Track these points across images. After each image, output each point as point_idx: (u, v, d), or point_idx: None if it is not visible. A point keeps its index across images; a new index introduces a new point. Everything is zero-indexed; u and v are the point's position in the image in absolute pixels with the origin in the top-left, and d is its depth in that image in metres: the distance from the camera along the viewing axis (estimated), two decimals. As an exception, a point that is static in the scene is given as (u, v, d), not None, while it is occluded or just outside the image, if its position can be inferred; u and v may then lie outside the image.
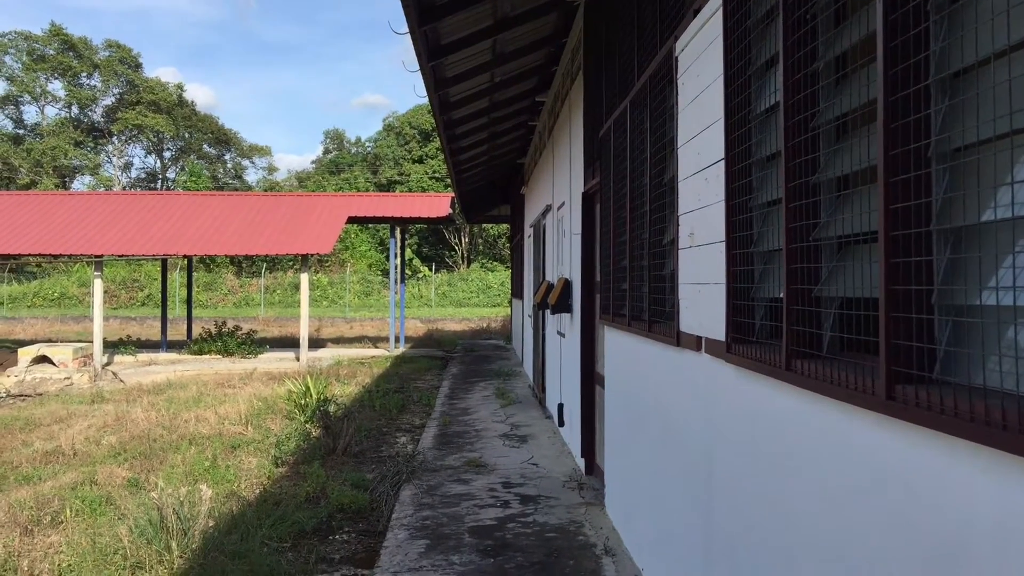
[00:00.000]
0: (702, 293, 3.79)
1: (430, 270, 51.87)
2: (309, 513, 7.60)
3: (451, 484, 8.11)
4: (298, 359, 20.68)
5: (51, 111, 73.68)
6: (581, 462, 8.27)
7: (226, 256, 51.77)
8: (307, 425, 11.06)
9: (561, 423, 9.49)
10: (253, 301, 50.08)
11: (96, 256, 20.10)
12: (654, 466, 4.87)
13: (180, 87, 75.77)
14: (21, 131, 73.39)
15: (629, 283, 5.49)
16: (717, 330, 3.53)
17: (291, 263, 53.87)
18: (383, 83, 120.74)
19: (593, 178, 7.60)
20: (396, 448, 10.69)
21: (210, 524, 7.09)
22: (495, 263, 57.05)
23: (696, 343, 3.90)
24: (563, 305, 9.19)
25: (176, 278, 51.91)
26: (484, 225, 56.43)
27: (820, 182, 2.63)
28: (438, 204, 23.69)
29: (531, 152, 15.99)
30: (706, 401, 3.78)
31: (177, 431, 11.69)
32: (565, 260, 9.69)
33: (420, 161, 66.66)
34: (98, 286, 20.61)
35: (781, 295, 2.82)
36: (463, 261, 59.22)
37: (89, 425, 12.82)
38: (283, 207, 22.97)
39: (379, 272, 54.09)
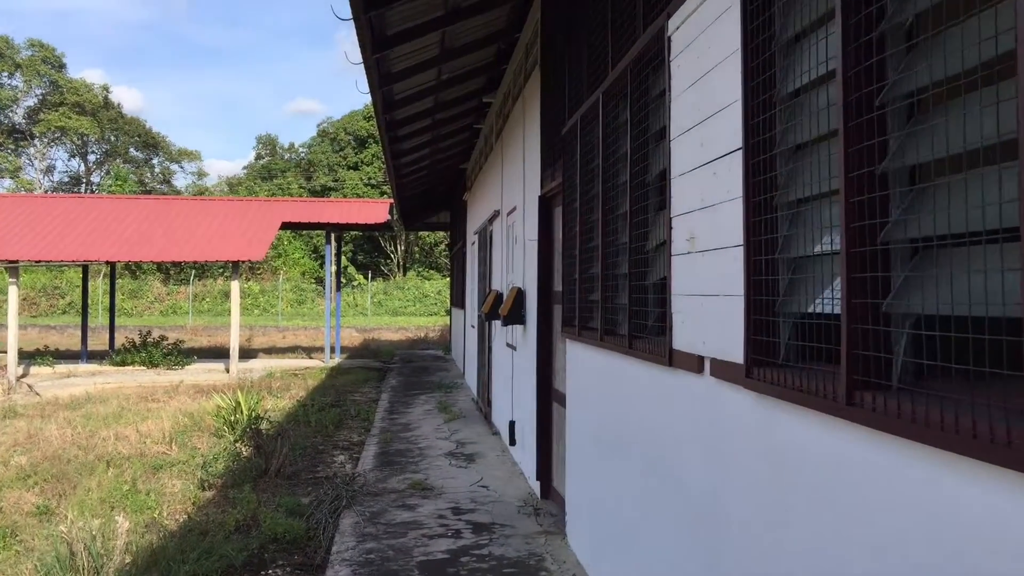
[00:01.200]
0: (705, 307, 3.26)
1: (365, 278, 50.93)
2: (239, 544, 6.90)
3: (396, 510, 7.47)
4: (228, 371, 19.76)
5: (-33, 112, 70.77)
6: (536, 485, 7.71)
7: (152, 263, 50.26)
8: (237, 444, 10.30)
9: (512, 442, 8.92)
10: (181, 309, 48.56)
11: (11, 262, 18.93)
12: (635, 501, 4.33)
13: (106, 88, 73.45)
14: (-64, 131, 70.41)
15: (601, 293, 4.95)
16: (730, 350, 3.00)
17: (221, 270, 52.37)
18: (317, 89, 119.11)
19: (552, 180, 7.07)
20: (334, 468, 10.00)
21: (127, 560, 6.34)
22: (431, 271, 56.36)
23: (696, 364, 3.37)
24: (515, 316, 8.64)
25: (100, 285, 50.10)
26: (420, 233, 55.73)
27: (890, 171, 2.11)
28: (376, 210, 22.96)
29: (475, 156, 15.44)
30: (710, 433, 3.25)
31: (94, 451, 10.82)
32: (517, 268, 9.14)
33: (355, 168, 65.64)
34: (13, 293, 19.40)
35: (833, 310, 2.30)
36: (399, 269, 58.38)
37: (1, 443, 11.85)
38: (213, 212, 22.01)
39: (313, 280, 52.92)
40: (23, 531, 7.58)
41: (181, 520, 7.78)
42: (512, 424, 8.93)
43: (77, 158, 76.67)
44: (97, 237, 19.92)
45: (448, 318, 28.93)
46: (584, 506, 5.73)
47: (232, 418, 11.17)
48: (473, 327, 15.33)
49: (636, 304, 4.28)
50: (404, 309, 47.56)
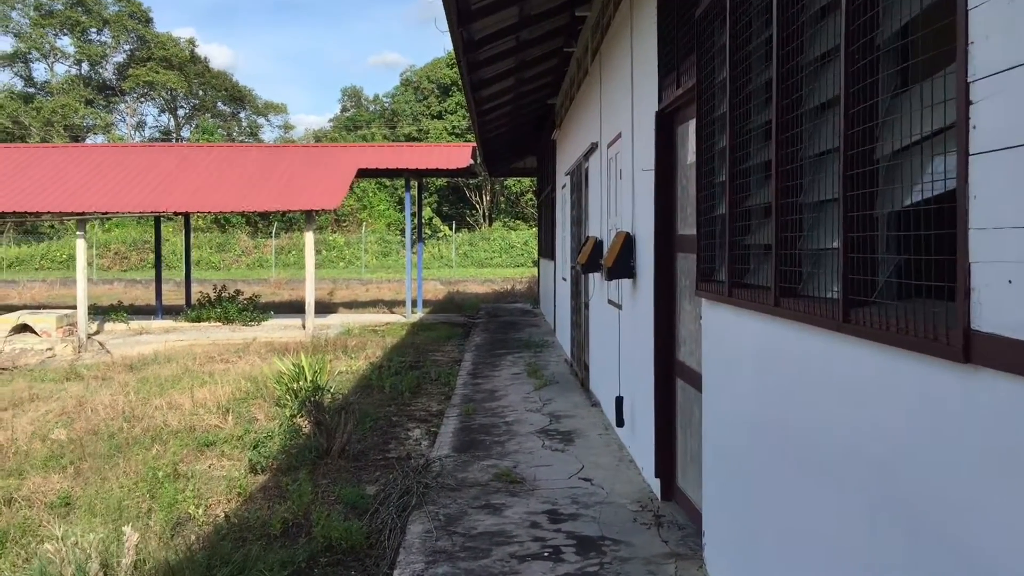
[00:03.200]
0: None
1: (451, 229, 49.61)
2: (282, 556, 5.48)
3: (477, 513, 5.94)
4: (304, 327, 18.59)
5: (60, 68, 71.60)
6: (655, 483, 6.08)
7: (240, 214, 49.79)
8: (296, 419, 8.93)
9: (620, 422, 7.30)
10: (267, 263, 48.10)
11: (77, 214, 18.02)
12: (853, 551, 2.66)
13: (192, 42, 73.32)
14: (31, 89, 71.36)
15: (777, 233, 3.25)
16: None
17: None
18: (399, 42, 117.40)
19: (676, 87, 5.33)
20: (407, 447, 8.56)
21: (134, 585, 4.98)
22: (518, 221, 54.75)
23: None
24: (622, 268, 6.96)
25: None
26: (506, 182, 54.10)
27: None
28: (458, 155, 21.37)
29: (565, 87, 13.66)
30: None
31: (142, 422, 9.61)
32: (624, 209, 7.44)
33: (439, 117, 64.15)
34: (80, 247, 18.54)
35: None
36: (485, 220, 56.93)
37: (47, 411, 10.79)
38: (287, 160, 20.75)
39: (398, 232, 51.81)
40: (35, 529, 6.32)
41: (218, 519, 6.41)
42: (619, 401, 7.30)
43: (167, 113, 77.19)
44: (166, 187, 18.87)
45: (536, 269, 27.32)
46: (736, 528, 4.08)
47: (295, 385, 9.81)
48: (565, 280, 13.70)
49: (857, 248, 2.57)
50: (490, 260, 46.17)
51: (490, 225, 54.90)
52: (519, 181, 52.37)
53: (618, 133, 7.86)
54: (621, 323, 7.59)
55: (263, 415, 9.76)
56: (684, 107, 5.42)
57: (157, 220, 21.97)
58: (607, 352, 8.66)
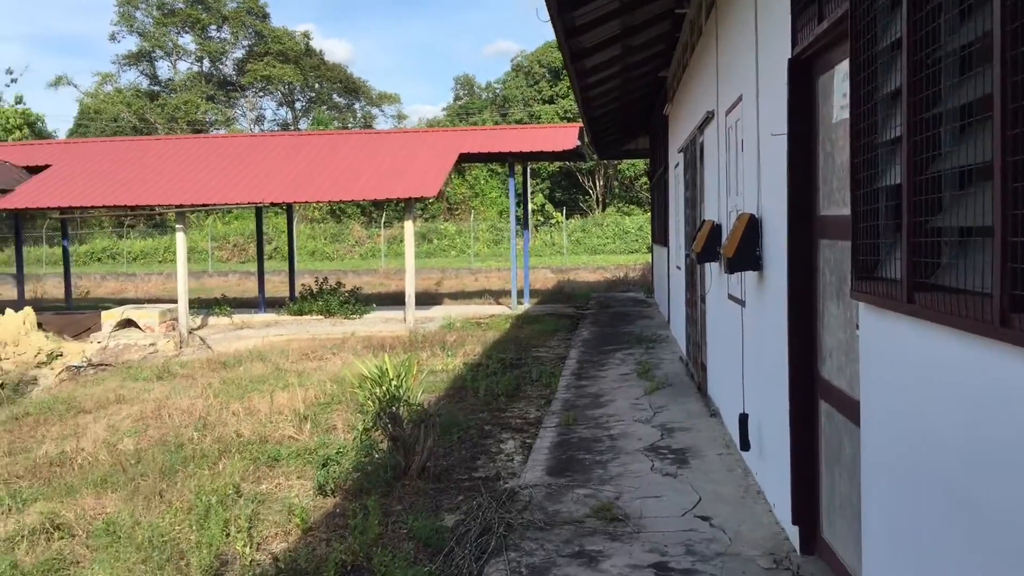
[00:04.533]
0: None
1: (563, 216, 48.43)
2: (330, 615, 4.50)
3: (567, 565, 4.82)
4: (405, 320, 17.81)
5: (183, 65, 73.63)
6: (792, 531, 4.83)
7: (355, 204, 49.87)
8: (371, 433, 7.99)
9: (744, 445, 6.05)
10: (380, 253, 48.00)
11: (174, 206, 17.69)
12: None
13: (307, 35, 74.27)
14: (156, 87, 73.63)
15: (1004, 210, 2.01)
16: None
17: (420, 210, 51.52)
18: (514, 30, 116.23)
19: (819, 21, 4.06)
20: (497, 464, 7.51)
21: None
22: (632, 206, 53.12)
23: None
24: (745, 258, 5.70)
25: (304, 230, 50.49)
26: (620, 166, 52.56)
27: None
28: (564, 136, 20.19)
29: (678, 55, 12.32)
30: None
31: (215, 431, 8.87)
32: (747, 186, 6.17)
33: (551, 101, 62.95)
34: (180, 240, 18.23)
35: None
36: (598, 205, 55.50)
37: (126, 416, 10.23)
38: (387, 146, 20.01)
39: (518, 219, 50.92)
40: (64, 568, 5.55)
41: (266, 559, 5.49)
42: (744, 420, 6.04)
43: (285, 107, 78.55)
44: (264, 178, 18.39)
45: (650, 256, 25.94)
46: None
47: (377, 391, 8.87)
48: (679, 268, 12.41)
49: None
50: (603, 247, 44.79)
51: (603, 211, 53.47)
52: (633, 164, 50.73)
53: (738, 96, 6.58)
54: (745, 324, 6.32)
55: (343, 423, 8.89)
56: (828, 49, 4.14)
57: (258, 211, 21.60)
58: (728, 356, 7.39)
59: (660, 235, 17.70)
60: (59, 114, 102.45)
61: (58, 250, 47.74)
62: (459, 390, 10.65)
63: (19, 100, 57.94)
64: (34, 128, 55.41)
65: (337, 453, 7.47)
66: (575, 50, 10.65)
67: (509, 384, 10.62)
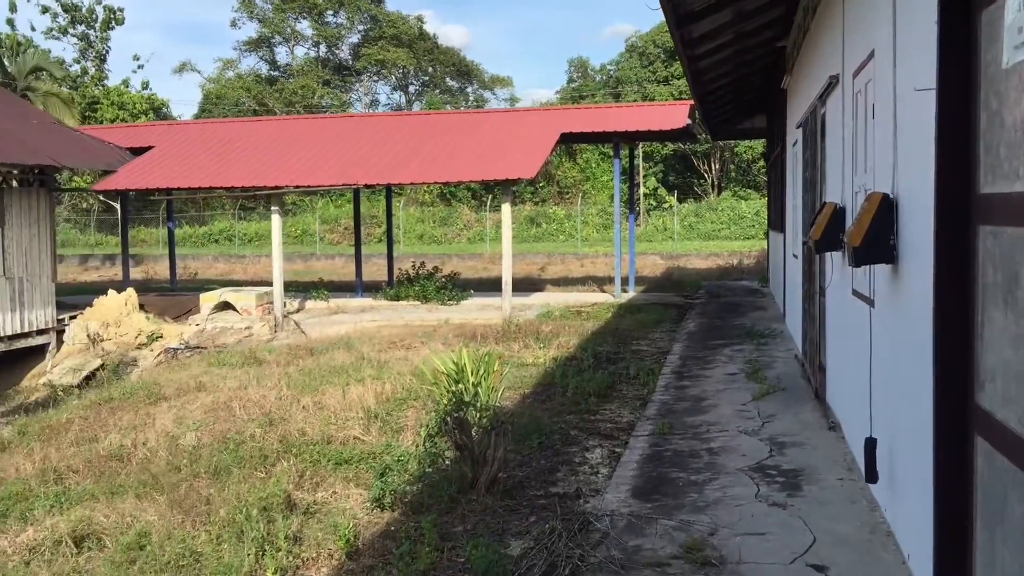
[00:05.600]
0: None
1: (675, 200, 46.85)
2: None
3: (643, 625, 3.92)
4: (502, 308, 17.05)
5: (300, 51, 74.82)
6: (932, 597, 3.78)
7: (464, 186, 49.46)
8: (437, 439, 7.20)
9: (871, 476, 4.98)
10: (488, 236, 47.48)
11: (271, 188, 17.37)
12: None
13: (420, 19, 74.41)
14: (275, 72, 75.06)
15: None
16: None
17: (531, 193, 50.79)
18: (630, 11, 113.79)
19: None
20: (579, 477, 6.62)
21: None
22: (748, 190, 51.01)
23: None
24: (876, 248, 4.63)
25: (413, 213, 50.45)
26: (737, 148, 50.59)
27: None
28: (672, 114, 18.98)
29: (798, 20, 11.05)
30: None
31: (280, 427, 8.26)
32: (880, 160, 5.07)
33: (665, 82, 61.16)
34: (276, 222, 17.92)
35: None
36: (713, 189, 53.60)
37: (198, 406, 9.77)
38: (486, 126, 19.23)
39: (623, 204, 49.57)
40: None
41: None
42: (871, 444, 4.96)
43: (398, 91, 79.04)
44: (361, 159, 17.87)
45: (766, 242, 24.46)
46: None
47: (454, 388, 8.09)
48: (795, 257, 11.20)
49: None
50: (717, 232, 43.09)
51: (718, 195, 51.59)
52: (750, 146, 48.71)
53: (869, 52, 5.47)
54: (874, 327, 5.24)
55: (415, 424, 8.14)
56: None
57: (356, 193, 21.18)
58: (852, 362, 6.29)
59: (776, 220, 16.39)
60: (184, 99, 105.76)
61: (178, 232, 49.08)
62: (547, 388, 9.77)
63: (145, 86, 59.78)
64: (159, 113, 57.03)
65: (398, 460, 6.71)
66: (681, 13, 9.57)
67: (602, 382, 9.68)
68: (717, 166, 54.63)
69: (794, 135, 11.53)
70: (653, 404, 8.65)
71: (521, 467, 6.88)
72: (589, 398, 9.14)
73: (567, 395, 9.29)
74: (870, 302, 5.37)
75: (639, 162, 45.53)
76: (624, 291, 19.43)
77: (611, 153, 52.90)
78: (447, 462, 6.71)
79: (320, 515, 6.05)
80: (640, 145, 43.73)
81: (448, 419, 6.46)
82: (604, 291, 20.38)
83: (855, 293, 6.03)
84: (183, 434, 8.35)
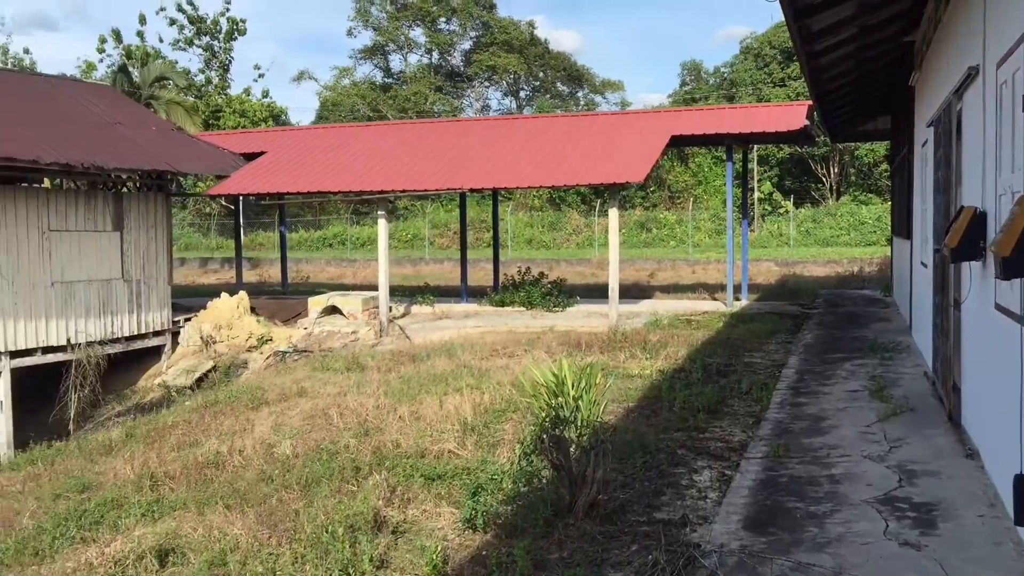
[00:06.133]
0: None
1: (791, 204, 45.32)
2: None
3: None
4: (608, 315, 16.58)
5: (413, 58, 75.86)
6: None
7: (572, 191, 49.03)
8: (533, 457, 6.83)
9: (1021, 519, 4.37)
10: (597, 241, 46.94)
11: (377, 192, 17.37)
12: None
13: (531, 24, 74.46)
14: (389, 80, 76.32)
15: None
16: None
17: (641, 198, 50.05)
18: (745, 13, 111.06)
19: None
20: (686, 502, 6.15)
21: None
22: (869, 195, 48.96)
23: None
24: (1030, 258, 4.04)
25: (521, 218, 50.38)
26: (857, 151, 48.67)
27: None
28: (789, 115, 18.13)
29: (929, 11, 10.26)
30: None
31: (375, 438, 8.05)
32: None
33: (781, 84, 59.37)
34: (382, 227, 17.94)
35: None
36: (831, 194, 51.66)
37: (297, 413, 9.70)
38: (593, 129, 18.79)
39: (735, 208, 48.24)
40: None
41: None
42: (1021, 482, 4.36)
43: (509, 96, 79.29)
44: (465, 163, 17.70)
45: (889, 249, 23.21)
46: None
47: (553, 402, 7.71)
48: (925, 266, 10.40)
49: None
50: (836, 239, 41.44)
51: (837, 200, 49.69)
52: (871, 148, 46.75)
53: (1018, 37, 4.85)
54: (1025, 349, 4.61)
55: (513, 438, 7.80)
56: None
57: (462, 197, 21.05)
58: (995, 383, 5.64)
59: (901, 226, 15.43)
60: (302, 107, 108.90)
61: (293, 236, 50.26)
62: (652, 402, 9.30)
63: (265, 94, 61.67)
64: (278, 120, 58.66)
65: (492, 479, 6.38)
66: (800, 6, 8.97)
67: (712, 397, 9.15)
68: (836, 169, 52.69)
69: (924, 134, 10.73)
70: (767, 423, 8.08)
71: (623, 489, 6.46)
72: (698, 414, 8.62)
73: (674, 410, 8.80)
74: (1020, 319, 4.74)
75: (753, 166, 44.31)
76: (736, 299, 18.69)
77: (724, 156, 51.76)
78: (543, 482, 6.34)
79: (409, 535, 5.78)
80: (754, 148, 42.55)
81: (545, 437, 6.08)
82: (715, 299, 19.67)
83: (999, 308, 5.38)
84: (279, 442, 8.23)
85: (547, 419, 6.91)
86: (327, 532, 5.46)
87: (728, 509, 5.74)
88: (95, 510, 6.87)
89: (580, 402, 7.55)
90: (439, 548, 5.25)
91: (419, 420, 8.51)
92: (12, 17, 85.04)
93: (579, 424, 7.17)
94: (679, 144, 20.12)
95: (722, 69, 72.30)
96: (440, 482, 6.72)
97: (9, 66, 47.41)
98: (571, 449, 6.16)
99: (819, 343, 12.98)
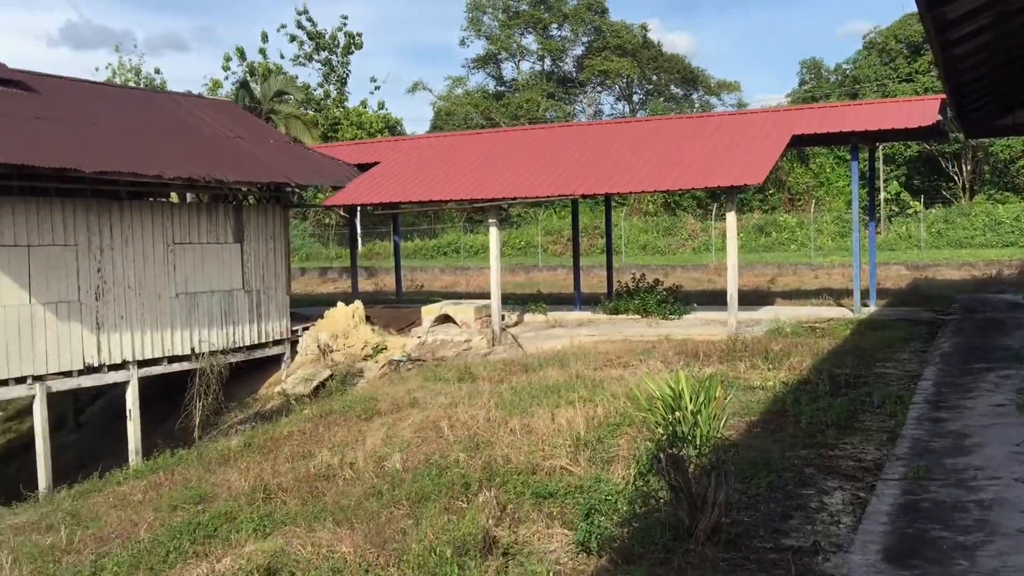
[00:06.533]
0: None
1: (921, 205, 43.28)
2: None
3: None
4: (727, 323, 16.00)
5: (525, 65, 76.12)
6: None
7: (688, 194, 48.07)
8: (649, 476, 6.48)
9: None
10: (714, 246, 45.90)
11: (487, 200, 17.27)
12: None
13: (644, 27, 73.68)
14: (501, 88, 76.81)
15: None
16: None
17: (759, 202, 48.75)
18: (867, 7, 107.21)
19: None
20: (816, 528, 5.71)
21: None
22: (1006, 193, 46.31)
23: None
24: None
25: (636, 224, 49.78)
26: (992, 147, 46.14)
27: None
28: (919, 111, 17.12)
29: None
30: None
31: (484, 454, 7.83)
32: None
33: (908, 79, 56.92)
34: (493, 235, 17.84)
35: None
36: (964, 193, 49.13)
37: (408, 424, 9.60)
38: (709, 131, 18.20)
39: (861, 210, 46.30)
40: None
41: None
42: None
43: (622, 100, 78.69)
44: (576, 169, 17.39)
45: (1030, 250, 21.78)
46: None
47: (670, 417, 7.34)
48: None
49: None
50: (970, 240, 39.29)
51: (971, 199, 47.21)
52: (1007, 144, 44.22)
53: None
54: None
55: (627, 454, 7.45)
56: None
57: (574, 203, 20.77)
58: None
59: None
60: (417, 117, 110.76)
61: (409, 245, 50.98)
62: (776, 416, 8.79)
63: (381, 106, 62.96)
64: (394, 131, 59.74)
65: (605, 500, 6.06)
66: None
67: (841, 411, 8.59)
68: (969, 167, 50.14)
69: (1076, 126, 9.87)
70: (904, 440, 7.50)
71: (747, 511, 6.05)
72: (826, 429, 8.10)
73: (800, 425, 8.29)
74: None
75: (879, 165, 42.51)
76: (864, 305, 17.79)
77: (848, 156, 49.89)
78: (661, 503, 5.99)
79: (520, 558, 5.53)
80: (880, 147, 40.76)
81: (662, 456, 5.73)
82: (841, 305, 18.78)
83: None
84: (389, 455, 8.12)
85: (664, 436, 6.55)
86: (435, 554, 5.26)
87: (865, 537, 5.28)
88: (209, 523, 6.89)
89: (699, 417, 7.18)
90: (551, 574, 4.98)
91: (530, 434, 8.26)
92: (145, 39, 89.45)
93: (698, 441, 6.79)
94: (800, 144, 19.32)
95: (844, 66, 69.86)
96: (552, 500, 6.45)
97: (141, 85, 49.73)
98: (690, 468, 5.80)
99: (958, 352, 12.14)
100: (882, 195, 44.18)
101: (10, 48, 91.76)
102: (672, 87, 77.41)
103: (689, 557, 5.23)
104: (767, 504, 6.21)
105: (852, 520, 5.79)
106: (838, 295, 20.97)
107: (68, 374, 14.58)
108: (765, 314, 17.59)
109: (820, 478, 6.77)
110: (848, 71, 67.46)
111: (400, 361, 17.63)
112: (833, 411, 8.57)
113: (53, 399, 14.99)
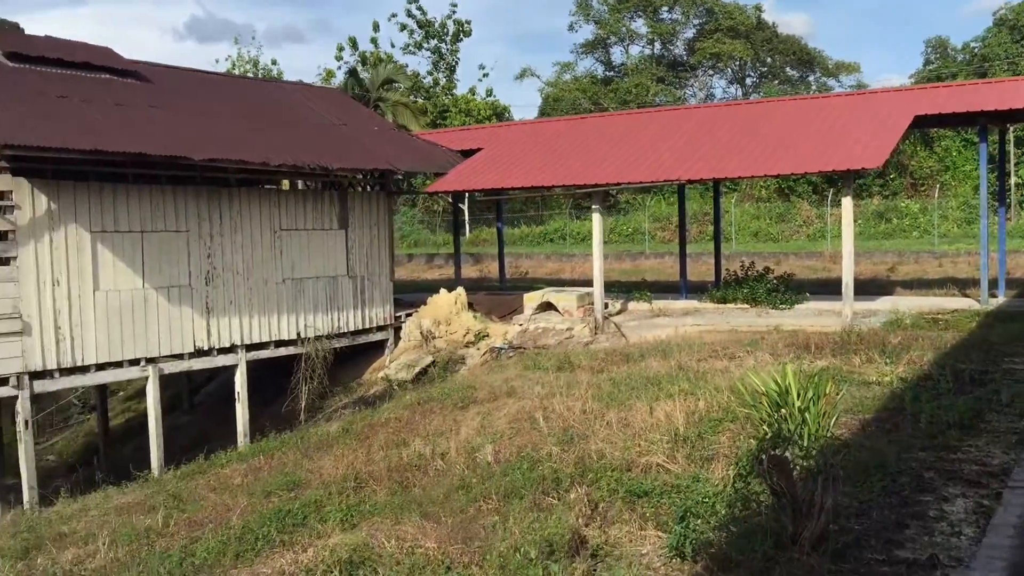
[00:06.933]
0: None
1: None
2: None
3: None
4: (841, 313, 15.26)
5: (635, 50, 75.11)
6: None
7: (803, 179, 46.51)
8: (750, 479, 6.08)
9: None
10: (830, 233, 44.28)
11: (591, 186, 16.90)
12: None
13: (758, 8, 71.67)
14: (610, 73, 76.02)
15: None
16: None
17: (879, 186, 46.76)
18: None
19: None
20: (934, 539, 5.25)
21: None
22: None
23: None
24: None
25: (747, 210, 48.49)
26: None
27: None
28: (1059, 88, 15.97)
29: None
30: None
31: (578, 448, 7.56)
32: None
33: (1042, 56, 53.77)
34: (596, 221, 17.49)
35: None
36: (1104, 175, 46.00)
37: (503, 415, 9.41)
38: (825, 113, 17.35)
39: (990, 195, 43.85)
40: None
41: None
42: None
43: (735, 83, 76.87)
44: (682, 153, 16.85)
45: None
46: None
47: (776, 415, 6.91)
48: None
49: None
50: (1115, 227, 36.80)
51: (1115, 181, 44.17)
52: None
53: None
54: None
55: (729, 452, 7.06)
56: None
57: (681, 189, 20.19)
58: None
59: None
60: (525, 104, 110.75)
61: (515, 231, 50.98)
62: (893, 414, 8.22)
63: (489, 93, 63.12)
64: (501, 118, 59.79)
65: (702, 501, 5.72)
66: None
67: (965, 410, 7.97)
68: (1114, 147, 46.93)
69: None
70: (1037, 443, 6.89)
71: (858, 518, 5.62)
72: (948, 430, 7.51)
73: (919, 425, 7.72)
74: None
75: (1010, 147, 40.14)
76: (992, 296, 16.70)
77: (975, 139, 47.37)
78: (762, 507, 5.61)
79: (609, 560, 5.26)
80: (1011, 128, 38.47)
81: (764, 457, 5.35)
82: (967, 296, 17.71)
83: None
84: (482, 446, 7.94)
85: (767, 435, 6.15)
86: (519, 553, 5.03)
87: (989, 552, 4.80)
88: (299, 511, 6.86)
89: (807, 414, 6.73)
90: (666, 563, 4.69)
91: (627, 428, 7.94)
92: (264, 31, 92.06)
93: (805, 440, 6.36)
94: (923, 125, 18.30)
95: (972, 44, 66.38)
96: (646, 500, 6.14)
97: (259, 76, 51.12)
98: (795, 470, 5.41)
99: (1097, 348, 11.22)
100: (1012, 179, 41.78)
101: (140, 41, 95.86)
102: (787, 69, 75.06)
103: (792, 567, 4.86)
104: (880, 511, 5.76)
105: (975, 532, 5.30)
106: (963, 285, 19.79)
107: (179, 357, 14.96)
108: (883, 304, 16.70)
109: (940, 483, 6.25)
110: (976, 50, 64.11)
111: (501, 348, 17.49)
112: (956, 410, 7.96)
113: (166, 381, 15.43)
